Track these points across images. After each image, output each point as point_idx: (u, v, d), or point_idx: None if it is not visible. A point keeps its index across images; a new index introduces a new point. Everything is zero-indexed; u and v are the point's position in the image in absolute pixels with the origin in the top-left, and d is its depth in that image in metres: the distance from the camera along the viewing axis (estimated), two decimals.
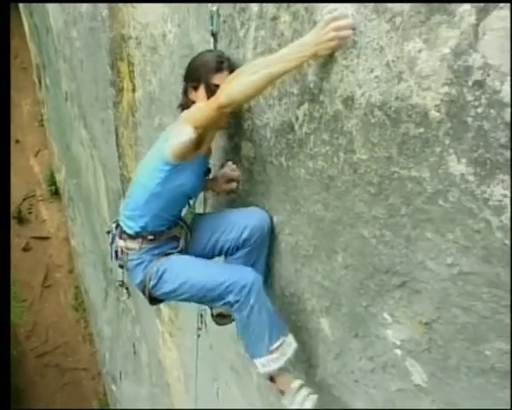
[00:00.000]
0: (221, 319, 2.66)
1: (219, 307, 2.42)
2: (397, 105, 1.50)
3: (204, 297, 2.31)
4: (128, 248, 2.38)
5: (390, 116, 1.53)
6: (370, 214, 1.74)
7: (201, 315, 3.73)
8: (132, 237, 2.36)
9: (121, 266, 2.46)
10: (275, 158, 2.22)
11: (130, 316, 7.19)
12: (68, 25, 5.75)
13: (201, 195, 2.97)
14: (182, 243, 2.45)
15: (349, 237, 1.89)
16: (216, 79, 2.17)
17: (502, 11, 1.17)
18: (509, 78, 1.19)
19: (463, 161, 1.35)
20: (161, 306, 5.17)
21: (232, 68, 2.20)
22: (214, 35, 2.39)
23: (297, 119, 1.99)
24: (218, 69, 2.19)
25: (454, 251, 1.48)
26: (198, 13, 2.53)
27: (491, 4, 1.18)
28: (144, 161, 2.40)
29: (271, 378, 2.33)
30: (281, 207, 2.32)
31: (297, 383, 2.25)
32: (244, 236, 2.42)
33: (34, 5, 8.64)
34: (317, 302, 2.27)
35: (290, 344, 2.28)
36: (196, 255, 2.44)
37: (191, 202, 2.51)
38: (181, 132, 2.15)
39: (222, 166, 2.67)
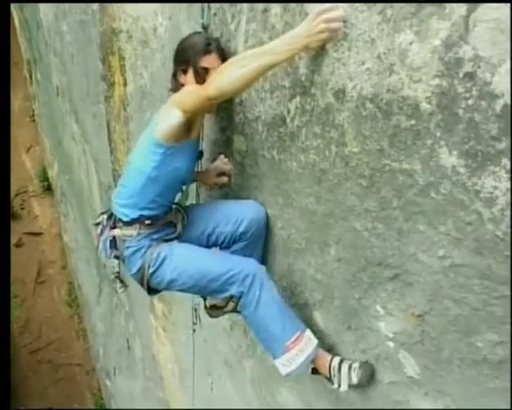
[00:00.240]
0: (214, 310, 2.62)
1: (222, 299, 2.36)
2: (388, 97, 1.50)
3: (205, 288, 2.27)
4: (125, 236, 2.32)
5: (381, 108, 1.53)
6: (362, 207, 1.74)
7: (195, 309, 3.72)
8: (129, 224, 2.31)
9: (117, 257, 2.38)
10: (267, 151, 2.22)
11: (124, 311, 7.17)
12: (58, 19, 5.71)
13: (194, 191, 2.96)
14: (179, 227, 2.42)
15: (341, 230, 1.89)
16: (204, 62, 2.17)
17: (492, 3, 1.16)
18: (499, 69, 1.19)
19: (454, 153, 1.35)
20: (155, 301, 5.17)
21: (221, 50, 2.20)
22: (205, 28, 2.38)
23: (289, 112, 1.98)
24: (206, 51, 2.17)
25: (446, 243, 1.48)
26: (189, 6, 2.51)
27: None
28: (137, 146, 2.36)
29: (313, 370, 2.24)
30: (273, 201, 2.32)
31: (336, 360, 2.14)
32: (241, 229, 2.41)
33: None
34: (309, 296, 2.27)
35: (310, 339, 2.19)
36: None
37: (184, 187, 2.49)
38: (170, 115, 2.13)
39: (214, 159, 2.66)
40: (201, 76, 2.15)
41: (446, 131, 1.36)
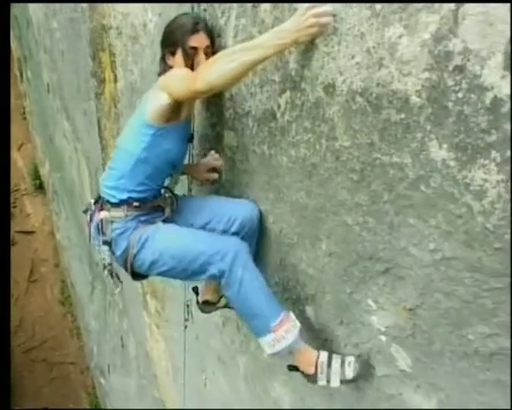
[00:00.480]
0: (206, 306, 2.61)
1: (207, 283, 2.27)
2: (378, 91, 1.49)
3: (185, 270, 2.20)
4: (113, 217, 2.27)
5: (371, 102, 1.53)
6: (353, 201, 1.74)
7: (188, 305, 3.72)
8: (117, 205, 2.27)
9: (106, 243, 2.31)
10: (257, 147, 2.21)
11: (118, 309, 7.16)
12: (48, 16, 5.68)
13: (186, 186, 2.96)
14: (167, 211, 2.40)
15: (332, 225, 1.89)
16: (192, 41, 2.16)
17: None
18: (488, 62, 1.19)
19: (444, 146, 1.35)
20: (148, 298, 5.17)
21: (208, 29, 2.20)
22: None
23: (279, 107, 1.98)
24: (194, 31, 2.16)
25: (436, 237, 1.48)
26: (179, 1, 2.50)
27: None
28: (126, 128, 2.34)
29: (295, 368, 2.18)
30: (264, 196, 2.32)
31: (324, 355, 2.07)
32: (234, 229, 2.38)
33: None
34: (301, 290, 2.27)
35: (294, 322, 2.14)
36: None
37: (173, 172, 2.47)
38: (157, 97, 2.12)
39: (204, 155, 2.66)
40: (190, 56, 2.15)
41: (436, 124, 1.36)
